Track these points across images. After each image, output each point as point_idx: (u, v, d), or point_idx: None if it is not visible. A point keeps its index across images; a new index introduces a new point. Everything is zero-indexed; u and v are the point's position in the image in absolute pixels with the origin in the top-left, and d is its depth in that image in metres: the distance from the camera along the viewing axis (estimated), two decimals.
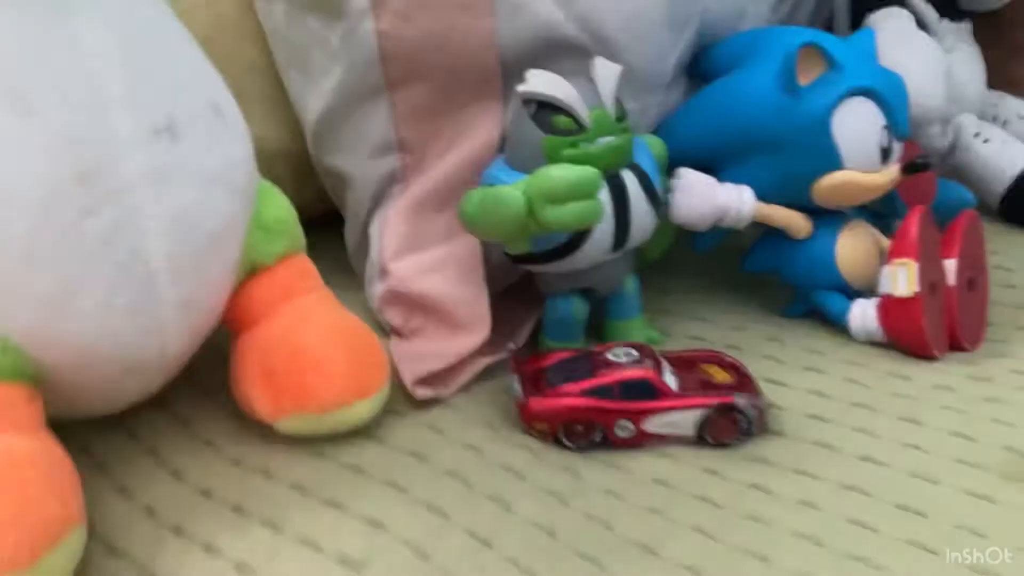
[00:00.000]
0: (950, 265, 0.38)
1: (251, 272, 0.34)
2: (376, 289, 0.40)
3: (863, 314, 0.38)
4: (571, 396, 0.32)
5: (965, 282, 0.39)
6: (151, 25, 0.30)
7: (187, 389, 0.35)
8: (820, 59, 0.38)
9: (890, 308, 0.37)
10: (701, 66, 0.43)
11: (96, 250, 0.27)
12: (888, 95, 0.38)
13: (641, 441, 0.32)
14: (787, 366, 0.37)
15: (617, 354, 0.33)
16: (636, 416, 0.32)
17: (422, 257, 0.38)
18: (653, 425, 0.32)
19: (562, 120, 0.34)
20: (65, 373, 0.29)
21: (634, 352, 0.33)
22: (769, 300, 0.43)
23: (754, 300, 0.43)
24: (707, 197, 0.38)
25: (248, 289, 0.34)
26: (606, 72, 0.35)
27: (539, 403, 0.32)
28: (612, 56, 0.37)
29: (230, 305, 0.34)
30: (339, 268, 0.41)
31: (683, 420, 0.32)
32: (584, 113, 0.34)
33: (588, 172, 0.33)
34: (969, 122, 0.52)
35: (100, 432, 0.33)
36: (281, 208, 0.35)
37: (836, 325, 0.40)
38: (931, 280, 0.37)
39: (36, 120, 0.26)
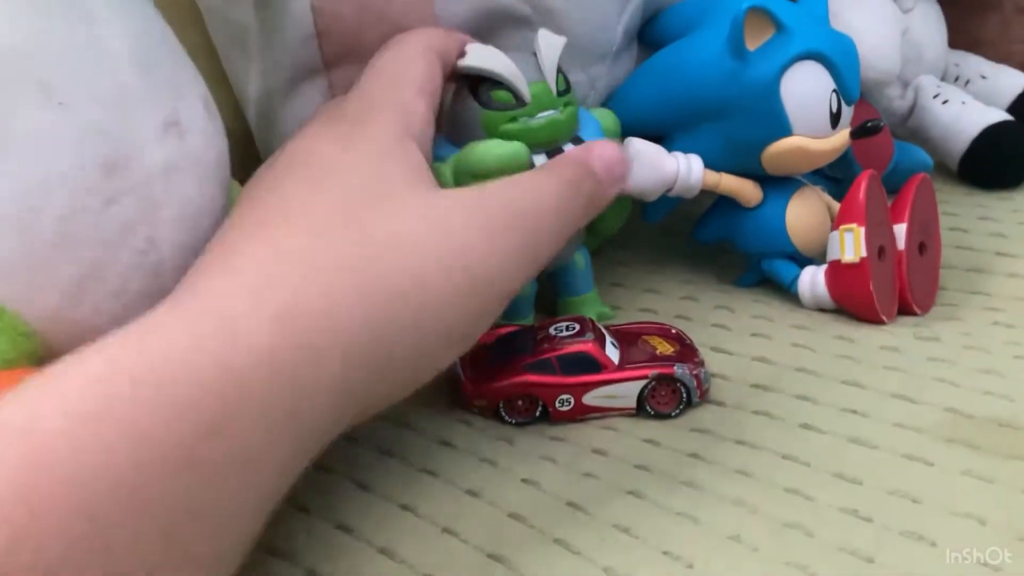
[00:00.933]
0: (900, 230, 0.38)
1: None
2: None
3: (812, 281, 0.38)
4: (512, 373, 0.32)
5: (916, 246, 0.39)
6: (152, 26, 0.32)
7: None
8: (769, 22, 0.37)
9: (837, 274, 0.37)
10: (652, 33, 0.43)
11: (117, 238, 0.28)
12: (837, 59, 0.38)
13: (582, 414, 0.32)
14: (734, 333, 0.38)
15: (558, 329, 0.33)
16: (577, 390, 0.32)
17: None
18: (594, 398, 0.32)
19: (501, 94, 0.34)
20: None
21: (575, 326, 0.33)
22: (722, 270, 0.43)
23: (707, 270, 0.43)
24: (655, 167, 0.38)
25: None
26: (548, 44, 0.35)
27: (479, 382, 0.33)
28: (556, 26, 0.36)
29: None
30: None
31: (624, 392, 0.32)
32: (524, 87, 0.34)
33: (514, 147, 0.33)
34: (929, 83, 0.51)
35: None
36: (235, 190, 0.36)
37: (788, 293, 0.40)
38: (879, 245, 0.37)
39: (67, 112, 0.27)
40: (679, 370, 0.32)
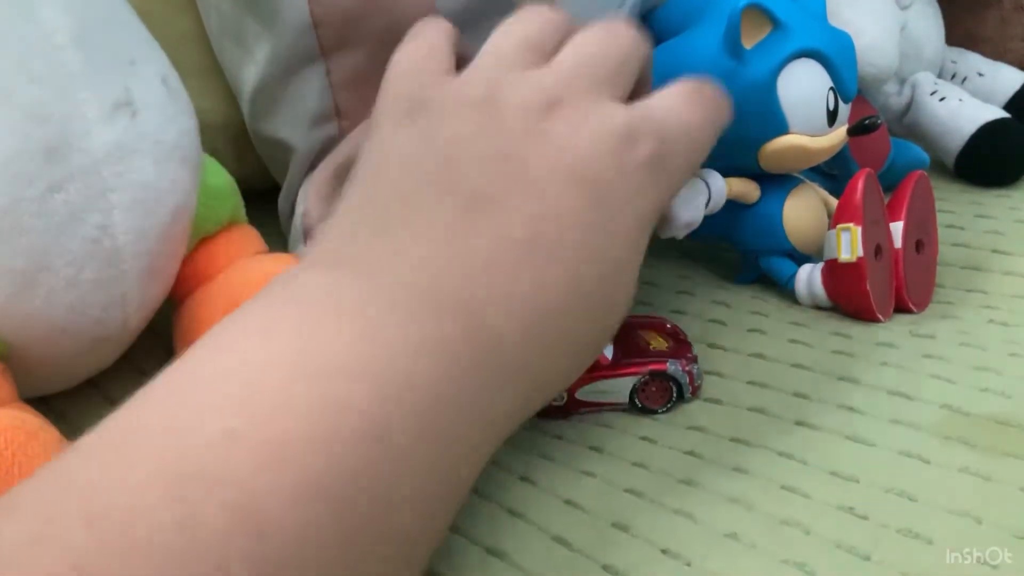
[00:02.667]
0: (897, 228, 0.38)
1: (197, 241, 0.34)
2: (300, 252, 0.40)
3: (808, 279, 0.38)
4: None
5: (912, 245, 0.39)
6: (103, 3, 0.30)
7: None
8: (766, 20, 0.37)
9: (834, 273, 0.37)
10: (649, 29, 0.42)
11: (65, 226, 0.28)
12: (835, 56, 0.38)
13: (574, 409, 0.32)
14: (731, 330, 0.38)
15: None
16: (572, 385, 0.32)
17: None
18: (586, 393, 0.32)
19: None
20: (32, 349, 0.29)
21: None
22: (719, 267, 0.43)
23: (703, 267, 0.43)
24: (691, 203, 0.36)
25: (194, 258, 0.35)
26: None
27: None
28: None
29: (178, 275, 0.34)
30: (280, 242, 0.41)
31: (616, 388, 0.32)
32: None
33: None
34: (926, 80, 0.51)
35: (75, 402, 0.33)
36: (221, 176, 0.36)
37: (785, 290, 0.40)
38: (876, 244, 0.37)
39: (4, 98, 0.26)
40: (672, 366, 0.32)
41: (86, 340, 0.30)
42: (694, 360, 0.33)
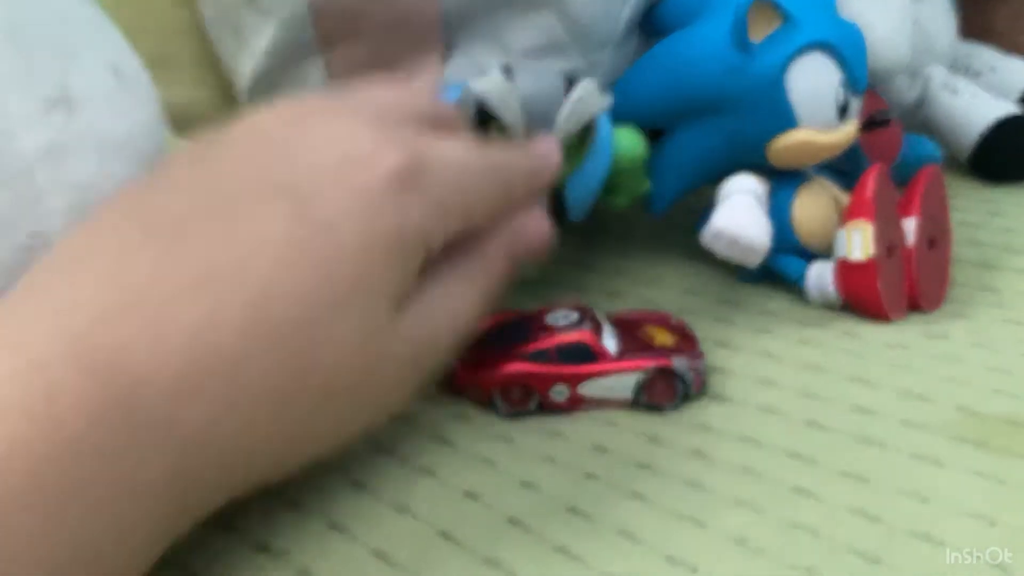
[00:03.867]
0: (909, 224, 0.38)
1: None
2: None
3: (819, 278, 0.38)
4: (506, 360, 0.32)
5: (925, 242, 0.38)
6: None
7: None
8: (774, 13, 0.37)
9: (845, 273, 0.37)
10: (654, 22, 0.42)
11: None
12: (845, 49, 0.37)
13: (576, 405, 0.32)
14: (739, 328, 0.37)
15: (556, 317, 0.33)
16: (572, 380, 0.31)
17: None
18: (589, 389, 0.32)
19: (497, 129, 0.33)
20: None
21: (574, 315, 0.33)
22: (727, 265, 0.42)
23: (711, 265, 0.43)
24: (746, 248, 0.36)
25: None
26: (578, 98, 0.34)
27: (472, 368, 0.32)
28: (558, 8, 0.36)
29: None
30: None
31: (620, 384, 0.31)
32: (518, 128, 0.33)
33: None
34: (938, 74, 0.51)
35: None
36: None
37: (794, 288, 0.39)
38: (889, 241, 0.37)
39: None
40: (677, 363, 0.31)
41: None
42: (700, 356, 0.32)
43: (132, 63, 0.31)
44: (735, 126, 0.38)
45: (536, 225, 0.30)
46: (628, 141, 0.38)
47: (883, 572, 0.24)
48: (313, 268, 0.21)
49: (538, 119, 0.33)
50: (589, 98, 0.34)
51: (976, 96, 0.50)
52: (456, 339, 0.28)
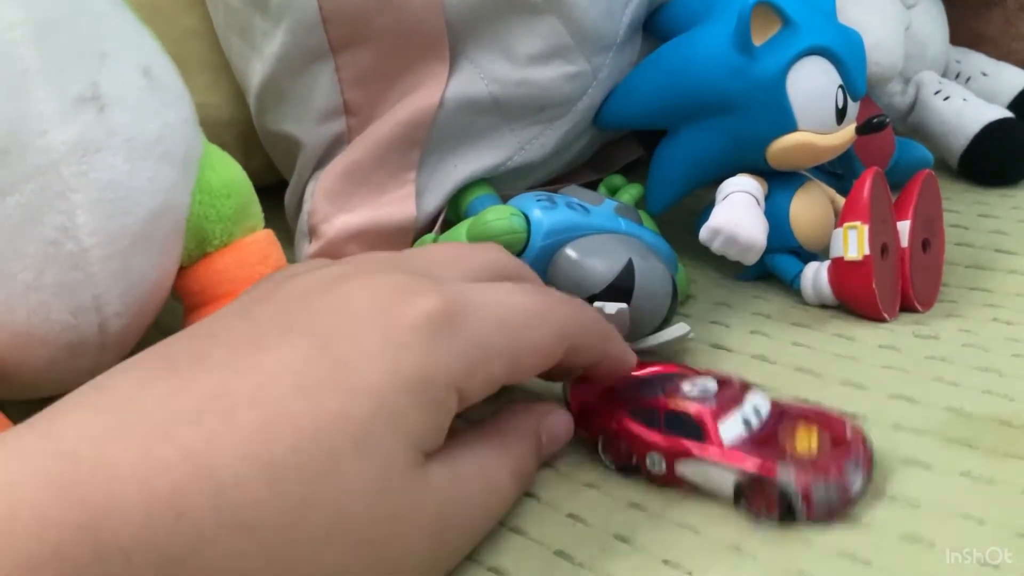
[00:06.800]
0: (903, 227, 0.38)
1: (202, 242, 0.33)
2: (304, 248, 0.40)
3: (815, 277, 0.38)
4: (615, 409, 0.29)
5: (919, 244, 0.39)
6: None
7: None
8: (776, 17, 0.37)
9: (840, 272, 0.37)
10: (657, 25, 0.42)
11: (20, 229, 0.26)
12: (844, 54, 0.38)
13: (674, 483, 0.28)
14: (733, 331, 0.38)
15: (694, 383, 0.29)
16: (668, 453, 0.28)
17: (351, 218, 0.38)
18: (688, 470, 0.27)
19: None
20: (1, 356, 0.28)
21: (711, 387, 0.28)
22: (723, 264, 0.43)
23: (707, 264, 0.43)
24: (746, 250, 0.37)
25: (206, 263, 0.33)
26: (678, 335, 0.35)
27: (586, 410, 0.30)
28: (562, 13, 0.36)
29: (184, 279, 0.33)
30: (287, 238, 0.41)
31: (719, 477, 0.27)
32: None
33: (513, 224, 0.33)
34: (930, 79, 0.51)
35: None
36: (228, 171, 0.34)
37: (788, 289, 0.40)
38: (883, 243, 0.37)
39: None
40: (783, 475, 0.26)
41: (59, 345, 0.29)
42: (837, 476, 0.26)
43: (164, 65, 0.31)
44: (736, 127, 0.38)
45: (563, 421, 0.29)
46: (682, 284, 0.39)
47: (874, 574, 0.24)
48: (330, 400, 0.21)
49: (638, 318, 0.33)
50: (680, 336, 0.35)
51: (967, 101, 0.51)
52: (488, 512, 0.25)
